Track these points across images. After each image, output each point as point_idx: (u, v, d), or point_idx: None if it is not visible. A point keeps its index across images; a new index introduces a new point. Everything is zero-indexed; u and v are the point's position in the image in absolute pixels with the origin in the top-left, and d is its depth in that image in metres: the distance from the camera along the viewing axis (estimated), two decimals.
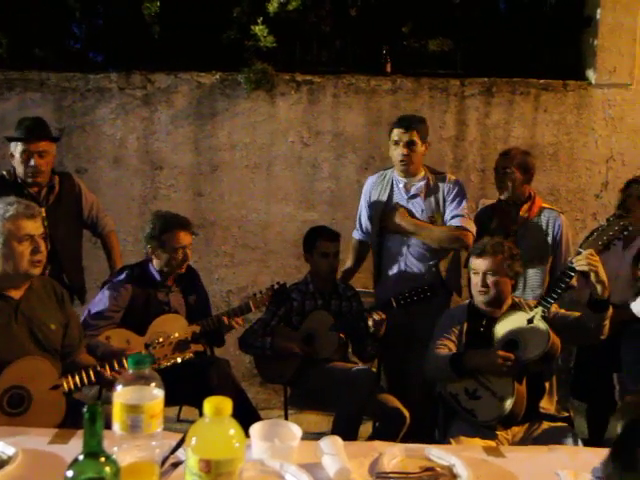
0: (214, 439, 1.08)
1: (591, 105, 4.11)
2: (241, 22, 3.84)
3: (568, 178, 4.12)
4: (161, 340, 2.47)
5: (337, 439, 1.59)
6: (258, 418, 2.76)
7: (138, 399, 1.18)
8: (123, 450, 1.19)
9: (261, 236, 4.08)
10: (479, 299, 2.58)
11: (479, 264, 2.57)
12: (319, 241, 3.12)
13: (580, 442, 2.28)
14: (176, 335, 2.56)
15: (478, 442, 2.21)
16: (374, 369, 3.40)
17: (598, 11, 4.09)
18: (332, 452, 1.51)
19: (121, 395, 1.18)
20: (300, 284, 3.22)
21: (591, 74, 4.15)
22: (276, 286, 3.07)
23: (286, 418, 3.21)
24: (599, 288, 2.32)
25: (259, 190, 4.04)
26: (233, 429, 1.10)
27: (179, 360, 2.37)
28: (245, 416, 2.09)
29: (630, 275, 3.12)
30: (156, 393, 1.21)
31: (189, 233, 2.94)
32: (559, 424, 2.41)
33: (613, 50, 4.09)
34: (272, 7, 3.67)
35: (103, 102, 3.97)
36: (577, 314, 2.45)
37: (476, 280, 2.57)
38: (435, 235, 3.10)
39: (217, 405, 1.09)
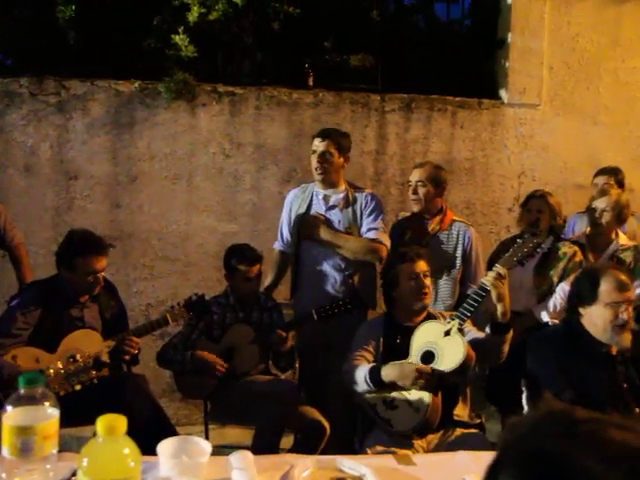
0: (107, 459, 1.03)
1: (504, 123, 4.30)
2: (161, 31, 3.77)
3: (483, 192, 4.29)
4: (54, 370, 2.36)
5: (247, 453, 1.57)
6: (175, 434, 2.69)
7: (29, 420, 1.11)
8: (14, 475, 1.13)
9: (181, 248, 4.00)
10: (420, 304, 2.61)
11: (416, 267, 2.62)
12: (241, 266, 3.05)
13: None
14: (79, 361, 2.46)
15: (394, 451, 2.24)
16: (295, 381, 3.40)
17: (509, 35, 4.31)
18: (241, 467, 1.48)
19: (10, 417, 1.12)
20: (220, 297, 3.18)
21: (504, 94, 4.35)
22: (194, 297, 3.01)
23: (206, 433, 3.15)
24: (499, 309, 2.38)
25: (179, 201, 3.97)
26: (128, 448, 1.06)
27: (77, 388, 2.29)
28: (162, 433, 2.04)
29: (533, 283, 3.28)
30: (50, 413, 1.15)
31: (104, 257, 2.78)
32: (471, 430, 2.48)
33: (523, 72, 4.31)
34: (192, 17, 3.62)
35: (13, 107, 3.78)
36: (483, 334, 2.53)
37: (414, 284, 2.61)
38: (350, 245, 3.15)
39: (110, 424, 1.04)
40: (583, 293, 2.30)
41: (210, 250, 3.97)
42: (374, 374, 2.46)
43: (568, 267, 3.23)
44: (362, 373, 2.48)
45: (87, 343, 2.69)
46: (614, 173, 3.91)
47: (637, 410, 2.20)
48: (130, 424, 2.58)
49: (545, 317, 3.21)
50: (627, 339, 2.24)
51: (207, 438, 3.14)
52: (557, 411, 0.73)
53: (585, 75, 4.45)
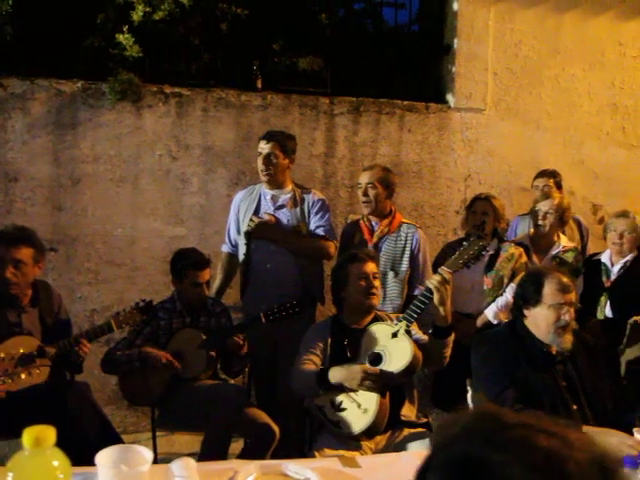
0: (34, 473, 0.99)
1: (450, 127, 4.38)
2: (105, 29, 3.67)
3: (431, 195, 4.35)
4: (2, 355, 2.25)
5: (189, 461, 1.54)
6: (121, 443, 2.62)
7: None
8: None
9: (127, 252, 3.90)
10: (369, 303, 2.64)
11: (366, 268, 2.65)
12: (189, 271, 3.01)
13: None
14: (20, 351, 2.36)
15: (341, 454, 2.24)
16: (244, 384, 3.37)
17: (455, 41, 4.39)
18: (183, 475, 1.45)
19: None
20: (167, 302, 3.12)
21: (450, 98, 4.43)
22: (141, 304, 2.95)
23: (154, 441, 3.09)
24: (440, 312, 2.41)
25: (125, 204, 3.87)
26: (57, 460, 1.02)
27: (22, 376, 2.19)
28: (107, 442, 1.98)
29: (483, 285, 3.35)
30: None
31: (18, 248, 2.66)
32: (419, 430, 2.50)
33: (468, 77, 4.40)
34: (137, 16, 3.54)
35: None
36: (427, 338, 2.55)
37: (364, 283, 2.63)
38: (299, 244, 3.20)
39: (37, 435, 1.00)
40: (527, 295, 2.35)
41: (157, 254, 3.90)
42: (321, 377, 2.46)
43: (516, 267, 3.32)
44: (310, 377, 2.48)
45: (25, 350, 2.60)
46: (553, 176, 4.04)
47: (575, 407, 2.27)
48: (73, 434, 2.50)
49: (493, 318, 3.29)
50: (568, 340, 2.29)
51: (155, 446, 3.08)
52: (487, 414, 0.73)
53: (528, 81, 4.57)
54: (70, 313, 3.07)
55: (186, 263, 3.02)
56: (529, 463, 0.65)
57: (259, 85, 4.02)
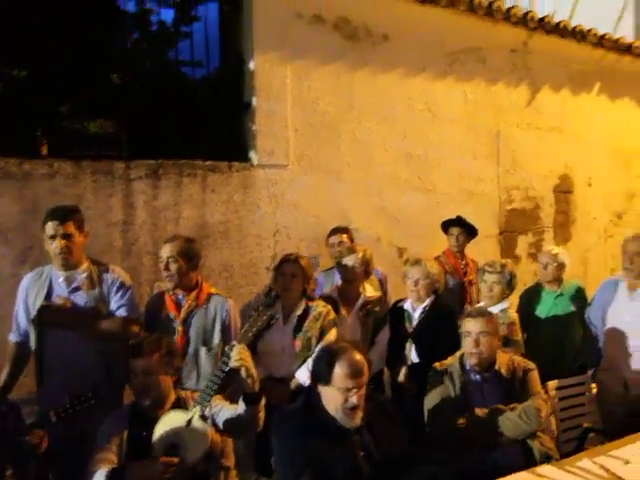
0: None
1: (255, 184, 4.41)
2: None
3: (240, 254, 4.32)
4: None
5: None
6: None
7: None
8: None
9: None
10: (143, 402, 2.51)
11: (136, 365, 2.51)
12: None
13: None
14: None
15: None
16: None
17: (254, 99, 4.45)
18: None
19: None
20: None
21: (253, 156, 4.47)
22: None
23: None
24: (249, 382, 2.36)
25: None
26: None
27: None
28: None
29: (293, 347, 3.35)
30: None
31: None
32: None
33: (270, 134, 4.49)
34: None
35: None
36: (236, 408, 2.48)
37: (137, 383, 2.51)
38: (102, 327, 3.01)
39: None
40: (320, 372, 2.36)
41: None
42: (116, 477, 2.28)
43: (324, 325, 3.36)
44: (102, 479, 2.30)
45: None
46: (345, 231, 4.26)
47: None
48: None
49: (306, 380, 3.28)
50: (357, 418, 2.32)
51: None
52: None
53: (327, 135, 4.77)
54: None
55: None
56: None
57: (45, 152, 3.72)
